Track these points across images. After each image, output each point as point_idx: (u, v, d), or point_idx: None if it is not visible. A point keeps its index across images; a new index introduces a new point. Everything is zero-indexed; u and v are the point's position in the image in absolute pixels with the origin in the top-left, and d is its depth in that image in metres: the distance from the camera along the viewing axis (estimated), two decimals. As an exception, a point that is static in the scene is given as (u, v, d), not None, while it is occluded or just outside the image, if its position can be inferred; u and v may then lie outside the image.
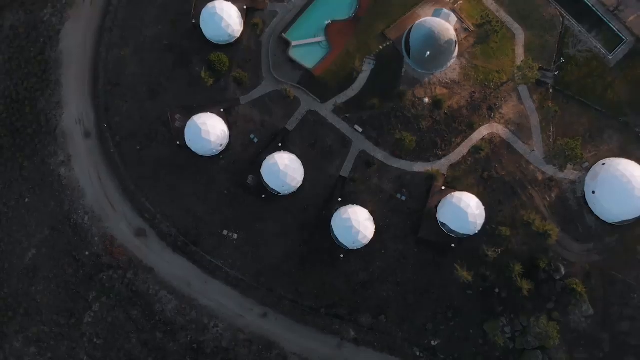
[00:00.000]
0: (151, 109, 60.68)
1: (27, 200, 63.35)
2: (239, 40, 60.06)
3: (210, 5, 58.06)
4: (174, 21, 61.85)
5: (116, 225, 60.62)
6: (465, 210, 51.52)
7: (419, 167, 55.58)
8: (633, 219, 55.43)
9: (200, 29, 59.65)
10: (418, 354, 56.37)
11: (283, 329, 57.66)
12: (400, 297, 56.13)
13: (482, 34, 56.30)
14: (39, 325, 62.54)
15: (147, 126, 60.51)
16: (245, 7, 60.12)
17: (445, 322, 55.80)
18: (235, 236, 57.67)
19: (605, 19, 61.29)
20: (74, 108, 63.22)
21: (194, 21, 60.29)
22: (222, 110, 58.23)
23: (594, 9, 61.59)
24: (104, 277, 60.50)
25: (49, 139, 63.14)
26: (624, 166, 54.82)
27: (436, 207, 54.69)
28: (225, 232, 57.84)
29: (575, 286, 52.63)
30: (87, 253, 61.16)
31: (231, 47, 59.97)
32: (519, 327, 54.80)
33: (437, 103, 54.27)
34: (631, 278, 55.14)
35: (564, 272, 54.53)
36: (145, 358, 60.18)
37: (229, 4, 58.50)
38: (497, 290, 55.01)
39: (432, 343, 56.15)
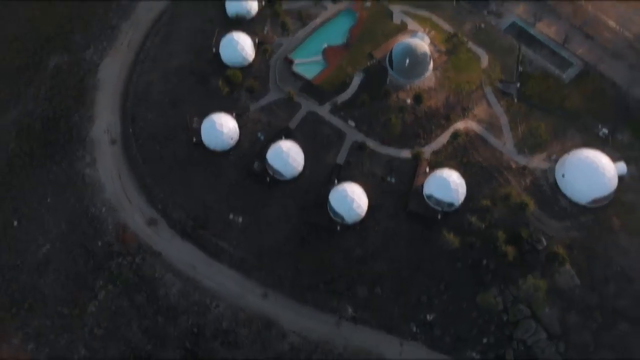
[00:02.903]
0: (172, 117, 69.96)
1: (48, 200, 69.10)
2: (251, 64, 71.83)
3: (229, 34, 71.07)
4: (197, 52, 74.32)
5: (130, 215, 65.59)
6: (448, 179, 57.98)
7: (406, 153, 62.99)
8: (602, 198, 61.11)
9: (220, 55, 71.83)
10: (415, 329, 57.44)
11: (283, 308, 59.32)
12: (395, 271, 59.11)
13: (451, 48, 68.19)
14: (42, 319, 63.69)
15: (168, 130, 69.19)
16: (257, 40, 73.04)
17: (439, 296, 58.03)
18: (240, 219, 62.60)
19: (556, 50, 73.96)
20: (104, 121, 72.45)
21: (214, 50, 72.77)
22: (234, 114, 67.42)
23: (546, 43, 74.71)
24: (113, 265, 63.61)
25: (78, 146, 71.25)
26: (588, 151, 62.31)
27: (422, 186, 60.84)
28: (231, 216, 62.87)
29: (557, 249, 56.32)
30: (99, 243, 65.09)
31: (244, 69, 71.43)
32: (510, 297, 56.96)
33: (417, 98, 63.92)
34: (611, 250, 58.85)
35: (545, 243, 58.50)
36: (144, 346, 60.49)
37: (245, 34, 71.52)
38: (485, 262, 58.28)
39: (428, 318, 57.61)
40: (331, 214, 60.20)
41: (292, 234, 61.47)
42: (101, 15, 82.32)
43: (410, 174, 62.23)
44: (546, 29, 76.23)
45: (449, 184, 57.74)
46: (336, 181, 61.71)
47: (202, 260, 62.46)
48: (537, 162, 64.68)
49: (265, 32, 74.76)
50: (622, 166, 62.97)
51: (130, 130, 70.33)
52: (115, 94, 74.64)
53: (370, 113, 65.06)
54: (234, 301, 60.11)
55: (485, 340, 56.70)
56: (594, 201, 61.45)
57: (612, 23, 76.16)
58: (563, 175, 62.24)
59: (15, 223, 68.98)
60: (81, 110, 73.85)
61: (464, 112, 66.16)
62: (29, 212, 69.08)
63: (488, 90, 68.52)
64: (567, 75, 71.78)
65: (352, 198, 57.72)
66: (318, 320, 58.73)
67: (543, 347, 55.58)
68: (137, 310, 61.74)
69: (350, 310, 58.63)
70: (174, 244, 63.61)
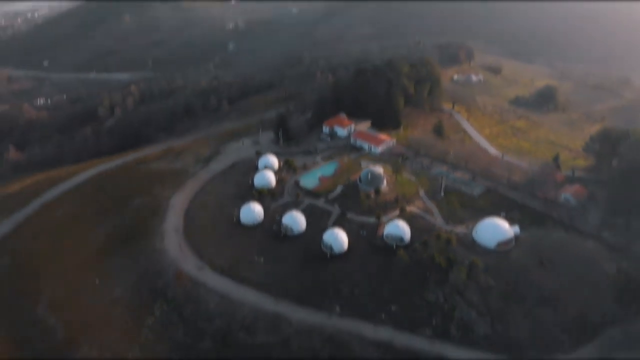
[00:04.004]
0: (219, 214, 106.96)
1: (126, 263, 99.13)
2: (273, 189, 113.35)
3: (260, 172, 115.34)
4: (239, 184, 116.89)
5: (185, 265, 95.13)
6: (397, 222, 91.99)
7: (372, 219, 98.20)
8: (504, 242, 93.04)
9: (253, 183, 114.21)
10: (383, 317, 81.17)
11: (289, 309, 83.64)
12: (368, 281, 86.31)
13: (395, 170, 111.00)
14: (100, 340, 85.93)
15: (215, 220, 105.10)
16: (277, 178, 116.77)
17: (399, 295, 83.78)
18: (262, 259, 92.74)
19: (467, 183, 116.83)
20: (171, 222, 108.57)
21: (250, 182, 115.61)
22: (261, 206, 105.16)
23: (461, 181, 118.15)
24: (169, 292, 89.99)
25: (151, 234, 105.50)
26: (491, 218, 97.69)
27: (382, 234, 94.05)
28: (255, 258, 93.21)
29: (474, 260, 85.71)
30: (160, 283, 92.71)
31: (268, 190, 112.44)
32: (447, 291, 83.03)
33: (377, 191, 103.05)
34: (514, 269, 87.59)
35: (468, 262, 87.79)
36: (185, 341, 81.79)
37: (270, 171, 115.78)
38: (428, 274, 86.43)
39: (392, 309, 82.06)
40: (323, 247, 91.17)
41: (297, 263, 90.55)
42: (174, 178, 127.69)
43: (375, 230, 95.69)
44: (460, 175, 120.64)
45: (398, 225, 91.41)
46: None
47: (233, 285, 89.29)
48: (460, 229, 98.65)
49: (282, 174, 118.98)
50: (516, 228, 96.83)
51: (190, 222, 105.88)
52: (180, 209, 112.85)
53: (348, 201, 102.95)
54: (254, 307, 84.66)
55: (434, 322, 79.76)
56: (499, 244, 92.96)
57: (502, 172, 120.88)
58: (476, 231, 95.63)
59: (97, 281, 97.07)
60: (155, 219, 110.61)
61: (408, 204, 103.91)
62: (109, 273, 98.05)
63: (423, 195, 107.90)
64: (476, 192, 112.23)
65: (338, 233, 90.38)
66: (315, 315, 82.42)
67: (475, 321, 78.66)
68: (184, 319, 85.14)
69: (337, 308, 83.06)
70: (214, 277, 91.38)
